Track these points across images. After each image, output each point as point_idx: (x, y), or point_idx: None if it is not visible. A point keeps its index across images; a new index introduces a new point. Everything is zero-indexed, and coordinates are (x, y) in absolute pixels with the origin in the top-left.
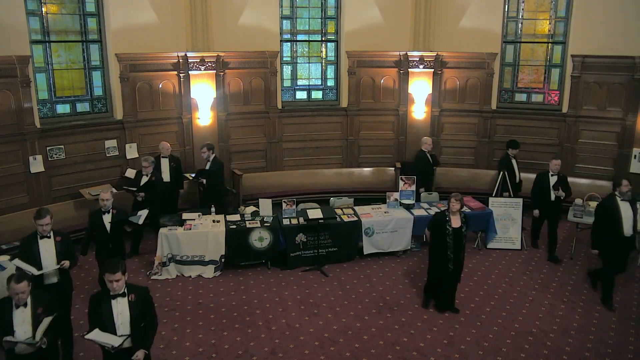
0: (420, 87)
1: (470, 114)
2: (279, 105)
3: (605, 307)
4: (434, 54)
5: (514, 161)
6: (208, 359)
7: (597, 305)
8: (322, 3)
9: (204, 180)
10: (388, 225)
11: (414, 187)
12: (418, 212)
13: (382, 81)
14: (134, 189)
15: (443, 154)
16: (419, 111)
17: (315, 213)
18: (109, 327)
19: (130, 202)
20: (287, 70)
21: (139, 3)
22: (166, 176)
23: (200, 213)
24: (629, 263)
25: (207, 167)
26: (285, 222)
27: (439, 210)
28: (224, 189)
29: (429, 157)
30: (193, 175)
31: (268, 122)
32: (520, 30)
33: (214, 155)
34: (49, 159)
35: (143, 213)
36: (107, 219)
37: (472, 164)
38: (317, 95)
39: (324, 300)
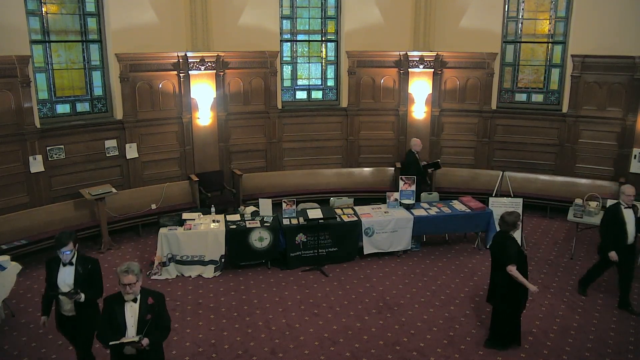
0: (420, 87)
1: (470, 114)
2: (279, 105)
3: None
4: (434, 54)
5: None
6: (208, 359)
7: (597, 305)
8: (322, 3)
9: (82, 296)
10: (388, 225)
11: (413, 187)
12: (418, 212)
13: (382, 81)
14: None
15: (443, 154)
16: (419, 111)
17: (315, 213)
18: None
19: None
20: (287, 70)
21: (139, 3)
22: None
23: (200, 213)
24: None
25: (75, 274)
26: (285, 222)
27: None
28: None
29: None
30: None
31: (268, 122)
32: (520, 30)
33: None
34: (49, 159)
35: None
36: None
37: (472, 164)
38: (317, 95)
39: (324, 300)
